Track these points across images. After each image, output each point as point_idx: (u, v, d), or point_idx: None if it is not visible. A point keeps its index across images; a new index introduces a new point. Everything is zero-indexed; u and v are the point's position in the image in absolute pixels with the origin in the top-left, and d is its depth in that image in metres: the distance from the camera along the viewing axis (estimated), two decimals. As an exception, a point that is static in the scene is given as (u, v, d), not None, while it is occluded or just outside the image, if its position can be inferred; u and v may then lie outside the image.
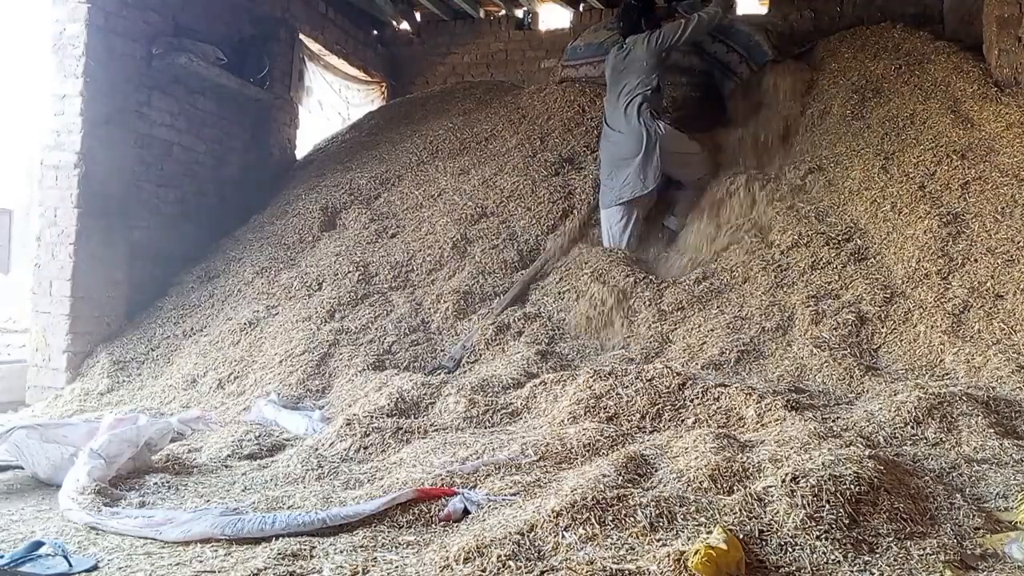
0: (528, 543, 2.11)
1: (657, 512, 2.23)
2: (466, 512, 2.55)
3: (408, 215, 6.08)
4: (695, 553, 1.91)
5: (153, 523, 2.56)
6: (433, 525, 2.52)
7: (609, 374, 3.65)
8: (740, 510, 2.24)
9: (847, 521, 2.20)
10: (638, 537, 2.14)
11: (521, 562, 2.02)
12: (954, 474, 2.74)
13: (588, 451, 2.97)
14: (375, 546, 2.34)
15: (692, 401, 3.43)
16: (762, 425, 3.21)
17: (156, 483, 3.09)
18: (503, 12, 8.25)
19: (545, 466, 2.87)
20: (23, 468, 3.42)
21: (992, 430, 3.05)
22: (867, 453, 2.57)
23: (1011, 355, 3.81)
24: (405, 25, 8.57)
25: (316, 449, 3.37)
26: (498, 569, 1.99)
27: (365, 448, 3.38)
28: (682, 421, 3.34)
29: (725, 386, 3.50)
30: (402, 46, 8.63)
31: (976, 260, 4.45)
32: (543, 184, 6.03)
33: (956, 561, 2.09)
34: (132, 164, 5.48)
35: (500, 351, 4.71)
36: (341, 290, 5.33)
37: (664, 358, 4.37)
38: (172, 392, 4.74)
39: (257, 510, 2.64)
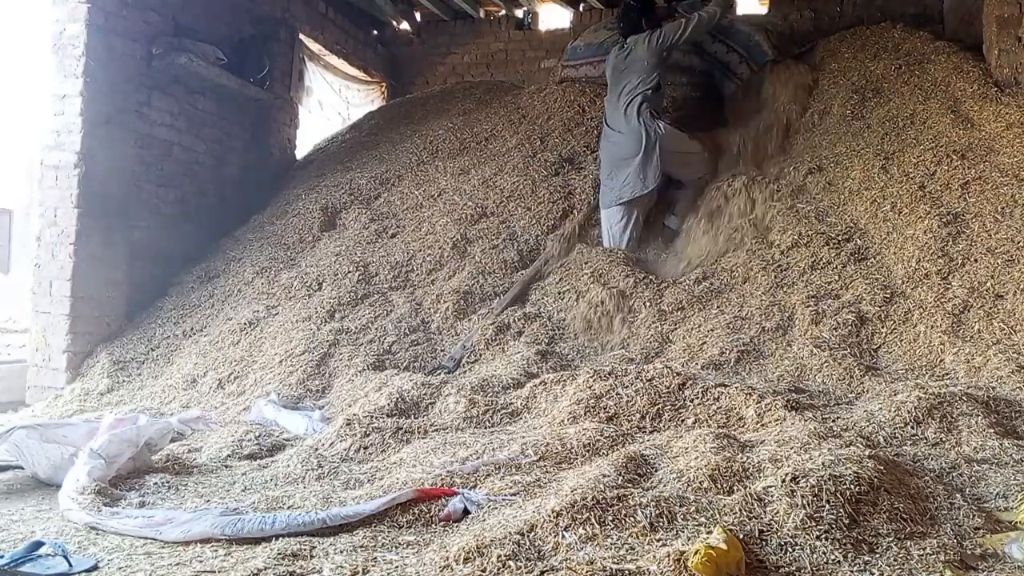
0: (528, 543, 2.11)
1: (657, 512, 2.23)
2: (466, 512, 2.55)
3: (408, 215, 6.08)
4: (695, 553, 1.91)
5: (153, 523, 2.56)
6: (433, 525, 2.52)
7: (609, 374, 3.65)
8: (740, 510, 2.24)
9: (847, 521, 2.20)
10: (638, 537, 2.14)
11: (521, 562, 2.02)
12: (954, 474, 2.74)
13: (588, 451, 2.97)
14: (375, 546, 2.34)
15: (692, 401, 3.43)
16: (762, 425, 3.21)
17: (156, 483, 3.09)
18: (503, 12, 8.25)
19: (545, 466, 2.87)
20: (23, 468, 3.42)
21: (992, 430, 3.05)
22: (867, 453, 2.57)
23: (1011, 355, 3.81)
24: (405, 25, 8.57)
25: (316, 449, 3.37)
26: (498, 569, 1.99)
27: (365, 448, 3.38)
28: (682, 421, 3.34)
29: (725, 386, 3.50)
30: (402, 46, 8.63)
31: (976, 260, 4.45)
32: (543, 184, 6.03)
33: (956, 561, 2.09)
34: (132, 164, 5.48)
35: (500, 351, 4.71)
36: (341, 290, 5.33)
37: (664, 358, 4.37)
38: (172, 392, 4.74)
39: (257, 510, 2.64)
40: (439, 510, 2.57)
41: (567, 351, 4.71)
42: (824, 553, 2.09)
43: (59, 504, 2.85)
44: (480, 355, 4.73)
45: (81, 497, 2.77)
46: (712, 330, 4.56)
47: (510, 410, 3.72)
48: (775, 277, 4.85)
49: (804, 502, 2.23)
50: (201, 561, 2.31)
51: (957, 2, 6.45)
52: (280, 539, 2.37)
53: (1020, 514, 2.38)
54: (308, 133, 7.85)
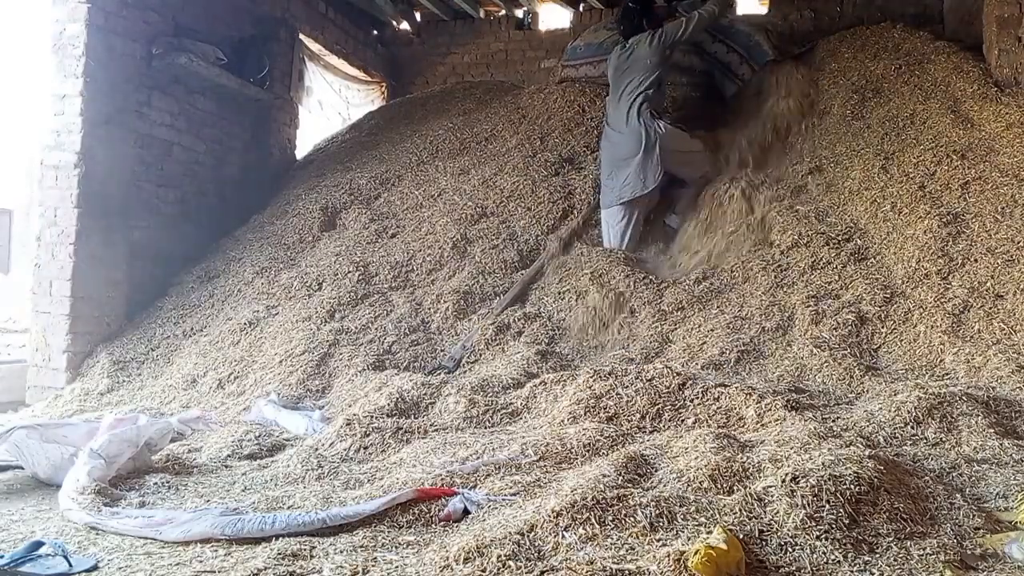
0: (528, 543, 2.11)
1: (657, 512, 2.23)
2: (466, 512, 2.55)
3: (408, 215, 6.08)
4: (695, 553, 1.91)
5: (153, 523, 2.56)
6: (433, 525, 2.52)
7: (609, 374, 3.65)
8: (740, 510, 2.24)
9: (847, 521, 2.20)
10: (638, 537, 2.14)
11: (521, 562, 2.02)
12: (954, 474, 2.74)
13: (588, 451, 2.97)
14: (375, 546, 2.34)
15: (692, 401, 3.43)
16: (762, 425, 3.21)
17: (156, 483, 3.09)
18: (503, 12, 8.25)
19: (545, 466, 2.87)
20: (23, 468, 3.42)
21: (992, 430, 3.05)
22: (867, 453, 2.57)
23: (1011, 355, 3.81)
24: (405, 25, 8.57)
25: (316, 449, 3.37)
26: (498, 569, 1.99)
27: (365, 448, 3.38)
28: (682, 421, 3.34)
29: (725, 386, 3.50)
30: (402, 46, 8.63)
31: (976, 260, 4.45)
32: (543, 184, 6.03)
33: (956, 561, 2.09)
34: (132, 164, 5.48)
35: (500, 351, 4.71)
36: (341, 290, 5.33)
37: (664, 358, 4.37)
38: (172, 392, 4.74)
39: (257, 510, 2.64)
40: (439, 510, 2.57)
41: (567, 351, 4.71)
42: (824, 553, 2.09)
43: (59, 504, 2.85)
44: (480, 355, 4.73)
45: (81, 497, 2.77)
46: (712, 330, 4.56)
47: (510, 410, 3.72)
48: (775, 277, 4.85)
49: (804, 502, 2.23)
50: (201, 561, 2.31)
51: (957, 2, 6.45)
52: (280, 539, 2.37)
53: (1020, 514, 2.38)
54: (308, 133, 7.86)
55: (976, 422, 3.09)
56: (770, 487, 2.32)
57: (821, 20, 6.95)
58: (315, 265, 5.64)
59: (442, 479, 2.77)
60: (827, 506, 2.22)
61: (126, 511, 2.73)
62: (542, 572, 1.98)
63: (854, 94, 5.92)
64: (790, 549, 2.11)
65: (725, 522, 2.18)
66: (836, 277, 4.74)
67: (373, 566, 2.17)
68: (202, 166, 6.21)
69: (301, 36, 7.20)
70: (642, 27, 5.87)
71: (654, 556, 1.98)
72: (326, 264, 5.61)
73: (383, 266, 5.56)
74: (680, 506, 2.27)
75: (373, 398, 3.91)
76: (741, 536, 2.11)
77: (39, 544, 2.38)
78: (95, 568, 2.30)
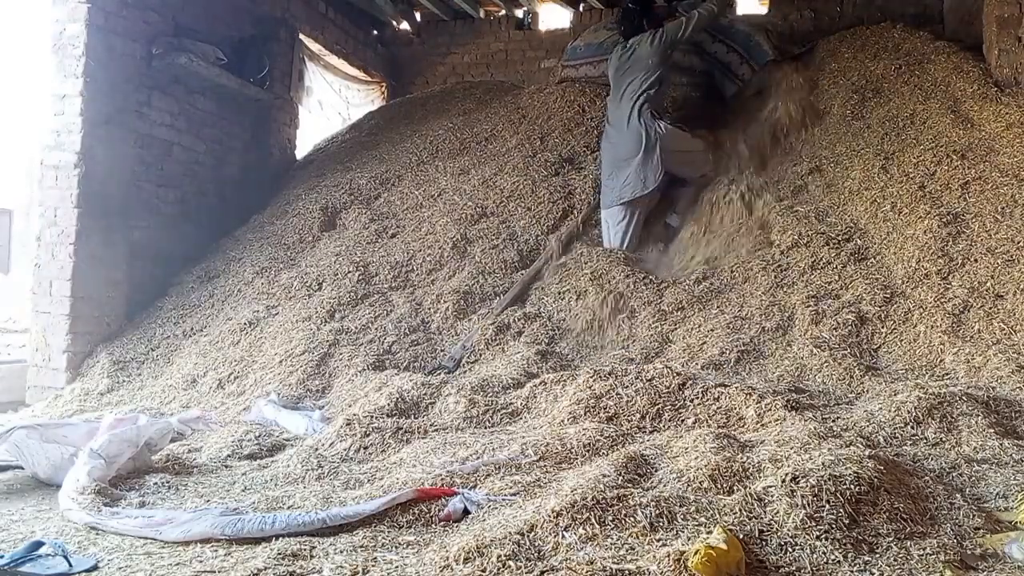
0: (528, 543, 2.11)
1: (657, 512, 2.23)
2: (466, 512, 2.55)
3: (408, 215, 6.08)
4: (695, 553, 1.91)
5: (153, 523, 2.56)
6: (433, 525, 2.52)
7: (609, 374, 3.65)
8: (740, 510, 2.24)
9: (847, 521, 2.20)
10: (638, 537, 2.14)
11: (521, 562, 2.02)
12: (954, 474, 2.74)
13: (588, 451, 2.97)
14: (375, 546, 2.34)
15: (692, 401, 3.43)
16: (762, 425, 3.21)
17: (156, 483, 3.09)
18: (503, 12, 8.25)
19: (545, 466, 2.87)
20: (23, 468, 3.42)
21: (992, 430, 3.05)
22: (867, 453, 2.57)
23: (1011, 355, 3.81)
24: (405, 25, 8.57)
25: (316, 449, 3.37)
26: (498, 569, 1.99)
27: (365, 448, 3.38)
28: (682, 421, 3.34)
29: (725, 386, 3.50)
30: (402, 46, 8.63)
31: (976, 260, 4.45)
32: (543, 184, 6.03)
33: (956, 561, 2.09)
34: (132, 164, 5.48)
35: (500, 351, 4.71)
36: (341, 290, 5.33)
37: (664, 358, 4.37)
38: (172, 392, 4.74)
39: (257, 510, 2.64)
40: (439, 510, 2.57)
41: (567, 351, 4.71)
42: (824, 553, 2.09)
43: (59, 504, 2.85)
44: (480, 355, 4.73)
45: (81, 497, 2.77)
46: (712, 330, 4.56)
47: (510, 410, 3.72)
48: (775, 277, 4.85)
49: (804, 502, 2.23)
50: (201, 561, 2.31)
51: (957, 2, 6.45)
52: (280, 539, 2.37)
53: (1020, 514, 2.38)
54: (308, 133, 7.86)
55: (976, 422, 3.09)
56: (770, 487, 2.32)
57: (821, 20, 6.95)
58: (315, 265, 5.64)
59: (442, 479, 2.77)
60: (827, 506, 2.22)
61: (126, 511, 2.73)
62: (542, 572, 1.98)
63: (854, 94, 5.93)
64: (790, 549, 2.11)
65: (725, 522, 2.18)
66: (836, 277, 4.74)
67: (373, 566, 2.17)
68: (202, 166, 6.21)
69: (301, 36, 7.20)
70: (642, 27, 5.88)
71: (654, 556, 1.98)
72: (326, 264, 5.61)
73: (383, 266, 5.56)
74: (680, 506, 2.27)
75: (373, 398, 3.91)
76: (741, 536, 2.11)
77: (39, 544, 2.38)
78: (95, 568, 2.30)
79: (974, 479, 2.71)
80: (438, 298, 5.24)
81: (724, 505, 2.29)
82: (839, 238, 4.98)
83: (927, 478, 2.60)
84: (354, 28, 8.07)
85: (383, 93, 8.58)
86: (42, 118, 5.12)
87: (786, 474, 2.35)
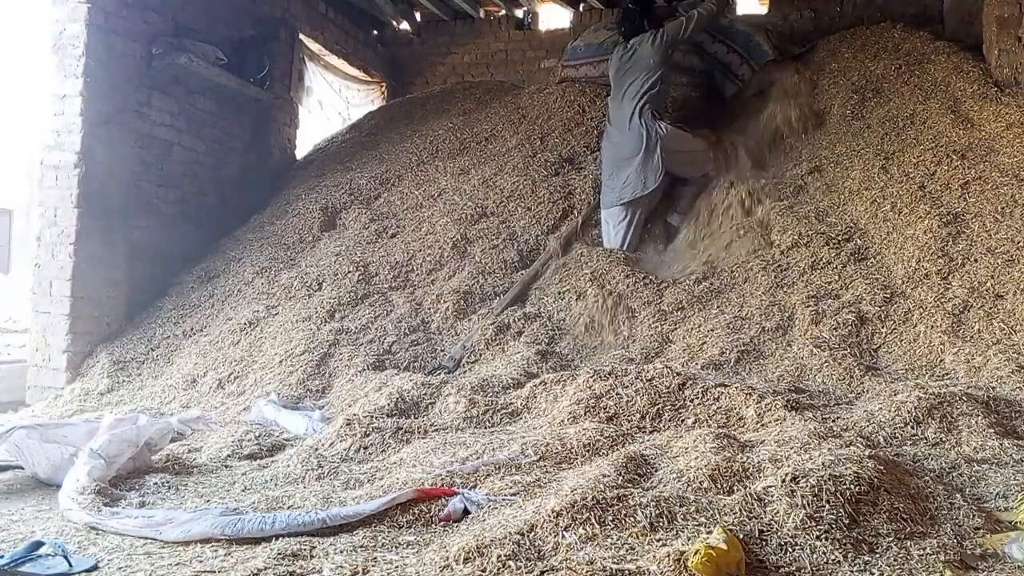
0: (528, 543, 2.11)
1: (657, 512, 2.23)
2: (466, 512, 2.55)
3: (408, 215, 6.08)
4: (695, 553, 1.91)
5: (153, 523, 2.56)
6: (433, 525, 2.52)
7: (609, 374, 3.65)
8: (740, 510, 2.24)
9: (847, 521, 2.20)
10: (638, 537, 2.14)
11: (521, 562, 2.02)
12: (954, 474, 2.74)
13: (588, 451, 2.97)
14: (375, 546, 2.34)
15: (692, 401, 3.43)
16: (762, 425, 3.21)
17: (156, 483, 3.09)
18: (503, 12, 8.25)
19: (545, 466, 2.87)
20: (23, 468, 3.42)
21: (992, 430, 3.05)
22: (867, 453, 2.57)
23: (1011, 355, 3.81)
24: (405, 25, 8.57)
25: (316, 449, 3.37)
26: (498, 569, 1.99)
27: (365, 448, 3.38)
28: (682, 421, 3.34)
29: (725, 386, 3.50)
30: (402, 46, 8.64)
31: (976, 260, 4.45)
32: (543, 184, 6.03)
33: (956, 561, 2.09)
34: (132, 164, 5.48)
35: (500, 351, 4.71)
36: (341, 290, 5.33)
37: (664, 358, 4.37)
38: (172, 392, 4.75)
39: (257, 510, 2.64)
40: (439, 510, 2.57)
41: (567, 351, 4.71)
42: (824, 553, 2.09)
43: (59, 504, 2.85)
44: (480, 355, 4.73)
45: (81, 497, 2.77)
46: (712, 330, 4.56)
47: (510, 410, 3.72)
48: (775, 277, 4.85)
49: (804, 502, 2.23)
50: (201, 561, 2.31)
51: (957, 2, 6.45)
52: (280, 539, 2.37)
53: (1020, 514, 2.38)
54: (308, 133, 7.86)
55: (976, 422, 3.09)
56: (770, 487, 2.32)
57: (821, 20, 6.95)
58: (315, 265, 5.64)
59: (442, 479, 2.77)
60: (827, 506, 2.22)
61: (126, 511, 2.73)
62: (542, 572, 1.98)
63: (854, 94, 5.93)
64: (790, 549, 2.11)
65: (725, 522, 2.18)
66: (836, 277, 4.73)
67: (373, 566, 2.17)
68: (202, 166, 6.21)
69: (301, 36, 7.20)
70: (643, 28, 5.87)
71: (654, 556, 1.98)
72: (326, 264, 5.61)
73: (383, 266, 5.56)
74: (680, 506, 2.27)
75: (373, 398, 3.91)
76: (741, 536, 2.11)
77: (39, 544, 2.38)
78: (95, 568, 2.30)
79: (974, 479, 2.70)
80: (438, 298, 5.24)
81: (724, 505, 2.29)
82: (839, 238, 4.98)
83: (927, 478, 2.60)
84: (354, 28, 8.07)
85: (383, 93, 8.58)
86: (42, 118, 5.12)
87: (786, 474, 2.35)
